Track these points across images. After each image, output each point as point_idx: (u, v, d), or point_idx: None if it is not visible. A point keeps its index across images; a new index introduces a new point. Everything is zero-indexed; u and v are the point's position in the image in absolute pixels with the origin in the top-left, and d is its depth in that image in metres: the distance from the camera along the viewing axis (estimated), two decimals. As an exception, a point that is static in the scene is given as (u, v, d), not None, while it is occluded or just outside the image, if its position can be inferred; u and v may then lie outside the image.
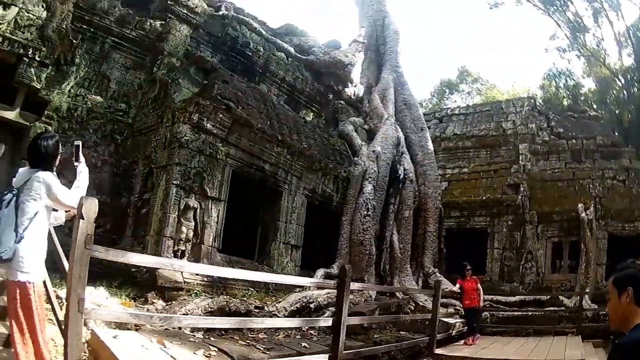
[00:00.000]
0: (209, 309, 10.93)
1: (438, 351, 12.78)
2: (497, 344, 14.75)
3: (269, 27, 23.29)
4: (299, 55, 22.99)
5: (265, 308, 12.57)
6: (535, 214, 23.24)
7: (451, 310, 17.91)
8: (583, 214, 21.71)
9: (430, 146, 24.48)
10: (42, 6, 13.84)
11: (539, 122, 27.57)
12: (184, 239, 14.35)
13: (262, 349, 9.20)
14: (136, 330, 8.52)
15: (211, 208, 15.14)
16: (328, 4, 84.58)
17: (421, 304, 17.09)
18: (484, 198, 24.51)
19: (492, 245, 24.13)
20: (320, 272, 17.83)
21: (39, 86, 14.01)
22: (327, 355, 8.61)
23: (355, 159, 20.65)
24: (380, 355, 11.75)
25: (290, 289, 14.78)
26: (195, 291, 13.11)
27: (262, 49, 20.34)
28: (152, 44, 17.23)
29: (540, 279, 22.80)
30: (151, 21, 17.30)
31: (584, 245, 21.50)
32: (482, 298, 15.71)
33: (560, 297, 19.98)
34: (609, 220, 22.44)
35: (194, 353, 7.66)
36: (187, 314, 10.18)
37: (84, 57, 16.07)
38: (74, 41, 15.15)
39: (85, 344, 7.13)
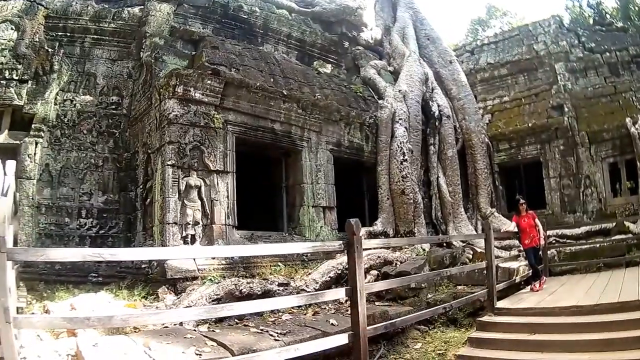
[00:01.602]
0: (215, 297, 9.79)
1: (500, 304, 10.15)
2: (566, 286, 12.16)
3: None
4: (302, 9, 20.48)
5: (292, 284, 11.28)
6: (586, 135, 20.52)
7: (515, 252, 15.05)
8: (632, 129, 19.03)
9: (464, 78, 21.88)
10: (12, 29, 14.38)
11: (570, 39, 24.62)
12: (191, 222, 12.73)
13: (276, 334, 7.64)
14: (136, 331, 7.68)
15: (217, 183, 13.40)
16: None
17: (479, 250, 14.40)
18: (530, 125, 21.71)
19: (547, 175, 21.32)
20: (362, 231, 14.85)
21: (21, 103, 14.15)
22: (346, 334, 6.55)
23: (381, 102, 18.21)
24: (437, 317, 10.14)
25: (329, 256, 13.04)
26: (210, 278, 11.48)
27: (258, 10, 18.12)
28: (134, 31, 16.18)
29: (603, 205, 20.06)
30: (129, 9, 16.45)
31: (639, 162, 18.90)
32: (543, 235, 12.86)
33: (626, 223, 17.42)
34: (659, 132, 19.88)
35: (183, 352, 6.52)
36: (190, 306, 9.22)
37: (64, 62, 15.47)
38: (49, 50, 14.93)
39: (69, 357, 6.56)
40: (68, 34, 15.69)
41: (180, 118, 12.97)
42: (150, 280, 11.69)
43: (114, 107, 15.77)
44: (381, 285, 9.13)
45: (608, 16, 36.01)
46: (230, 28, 17.48)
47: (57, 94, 14.96)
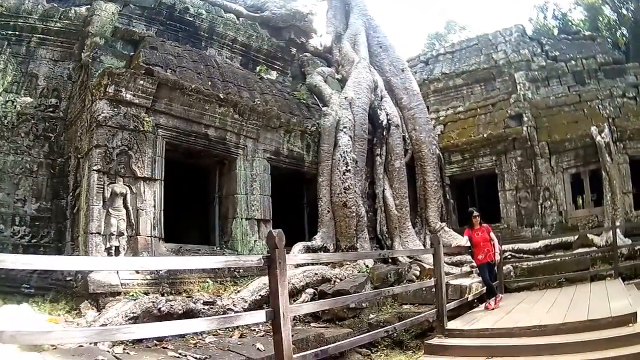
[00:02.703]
0: (132, 315, 9.26)
1: (451, 325, 9.32)
2: (525, 304, 11.44)
3: None
4: (251, 13, 19.71)
5: (219, 302, 10.64)
6: (546, 145, 19.92)
7: (467, 268, 14.39)
8: (598, 138, 18.46)
9: (416, 87, 21.06)
10: None
11: (532, 48, 24.47)
12: (115, 233, 11.78)
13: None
14: (54, 348, 7.14)
15: (144, 191, 12.51)
16: None
17: (428, 266, 13.84)
18: (485, 135, 20.97)
19: (503, 187, 20.62)
20: (298, 246, 14.72)
21: (-39, 103, 13.60)
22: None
23: (325, 109, 17.34)
24: (380, 339, 9.80)
25: (263, 273, 11.91)
26: (133, 293, 10.74)
27: (204, 12, 17.58)
28: (79, 31, 15.39)
29: (564, 218, 19.44)
30: (75, 8, 15.64)
31: (606, 172, 18.25)
32: (498, 249, 11.99)
33: (589, 236, 16.93)
34: (627, 142, 18.98)
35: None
36: (105, 325, 8.62)
37: (10, 62, 14.83)
38: None
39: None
40: (17, 33, 15.07)
41: (109, 120, 12.16)
42: (75, 294, 11.03)
43: (51, 109, 15.06)
44: (311, 307, 7.86)
45: (574, 27, 36.03)
46: (174, 30, 16.88)
47: None
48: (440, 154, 20.54)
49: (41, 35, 15.32)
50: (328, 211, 15.91)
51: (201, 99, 13.83)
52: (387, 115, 18.63)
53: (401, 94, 20.40)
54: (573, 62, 22.04)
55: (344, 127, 16.82)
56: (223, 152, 14.55)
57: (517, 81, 22.26)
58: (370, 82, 19.00)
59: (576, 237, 17.12)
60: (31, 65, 15.13)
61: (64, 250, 13.73)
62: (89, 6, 15.45)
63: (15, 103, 14.51)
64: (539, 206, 19.65)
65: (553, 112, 20.60)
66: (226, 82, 15.33)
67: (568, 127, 19.64)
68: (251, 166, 14.89)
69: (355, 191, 16.05)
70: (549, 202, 19.48)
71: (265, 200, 14.99)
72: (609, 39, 30.91)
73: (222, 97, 14.20)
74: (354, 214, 15.84)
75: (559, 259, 15.49)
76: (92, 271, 10.44)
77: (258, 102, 15.27)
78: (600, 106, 19.93)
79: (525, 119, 20.32)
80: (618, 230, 15.80)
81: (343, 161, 16.15)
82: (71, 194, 13.94)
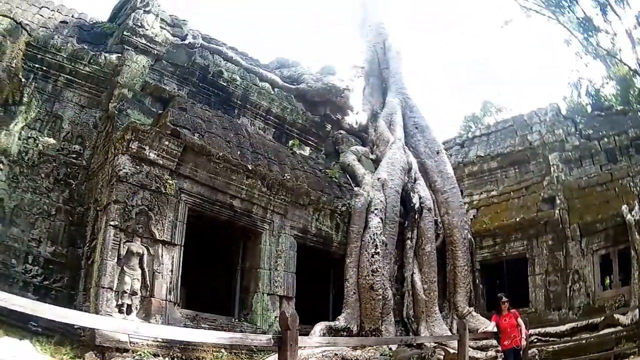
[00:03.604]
0: None
1: None
2: None
3: (253, 59, 20.10)
4: (287, 84, 19.67)
5: None
6: (577, 227, 19.43)
7: (492, 353, 14.29)
8: (628, 216, 17.82)
9: (450, 170, 20.92)
10: None
11: (566, 127, 23.95)
12: (129, 291, 11.62)
13: None
14: None
15: (162, 254, 12.30)
16: (327, 35, 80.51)
17: (452, 351, 13.27)
18: (517, 219, 20.70)
19: (533, 271, 20.15)
20: (320, 326, 14.36)
21: (-15, 126, 13.36)
22: None
23: (357, 189, 17.18)
24: None
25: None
26: (141, 353, 10.59)
27: (239, 79, 17.45)
28: (107, 79, 15.39)
29: (591, 300, 18.76)
30: (106, 55, 15.54)
31: (634, 251, 17.50)
32: (524, 335, 12.02)
33: (615, 316, 16.34)
34: (657, 219, 18.93)
35: None
36: None
37: (35, 97, 14.56)
38: (23, 80, 14.10)
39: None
40: (44, 68, 14.82)
41: (131, 177, 12.05)
42: (82, 342, 10.74)
43: (74, 156, 14.81)
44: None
45: (606, 102, 35.85)
46: (206, 94, 16.79)
47: (22, 128, 14.15)
48: (472, 239, 20.22)
49: (68, 76, 15.16)
50: (354, 292, 15.61)
51: (228, 168, 13.71)
52: (420, 198, 18.42)
53: (435, 177, 20.25)
54: (605, 139, 21.68)
55: (375, 209, 16.62)
56: (248, 224, 14.34)
57: (550, 163, 21.94)
58: (405, 163, 18.86)
59: (602, 318, 16.66)
60: (56, 105, 14.95)
61: (76, 298, 13.49)
62: (119, 55, 15.54)
63: (37, 141, 14.35)
64: (568, 289, 19.08)
65: (585, 193, 20.24)
66: (256, 153, 15.26)
67: (599, 208, 19.26)
68: (277, 242, 14.67)
69: (383, 274, 15.76)
70: (578, 285, 18.90)
71: (289, 277, 14.74)
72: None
73: (250, 168, 14.08)
74: (380, 297, 15.52)
75: (584, 341, 15.29)
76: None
77: (288, 177, 15.13)
78: (631, 183, 19.54)
79: (558, 201, 20.00)
80: (644, 307, 15.50)
81: (372, 243, 15.91)
82: (87, 244, 13.70)
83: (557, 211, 19.67)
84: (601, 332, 15.70)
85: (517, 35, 71.17)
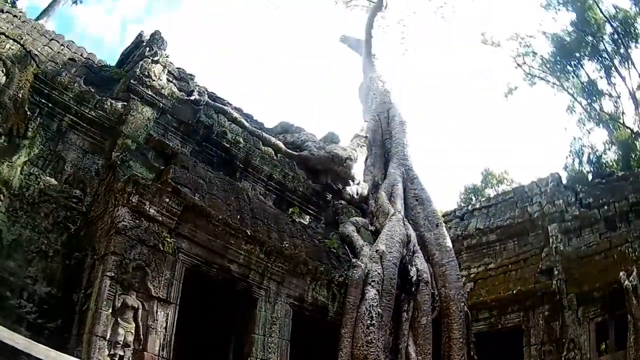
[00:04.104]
0: None
1: None
2: None
3: (257, 122, 20.57)
4: (289, 150, 20.00)
5: None
6: (574, 297, 19.57)
7: None
8: (626, 282, 17.95)
9: (449, 243, 20.83)
10: (2, 71, 13.10)
11: (567, 197, 24.07)
12: (121, 343, 11.50)
13: None
14: None
15: (157, 311, 12.15)
16: (332, 99, 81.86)
17: None
18: (514, 292, 20.85)
19: (528, 342, 20.31)
20: None
21: (-12, 155, 12.84)
22: None
23: (354, 260, 17.19)
24: None
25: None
26: None
27: (242, 141, 17.62)
28: (112, 127, 15.23)
29: None
30: (112, 101, 15.37)
31: (631, 315, 17.65)
32: None
33: None
34: (654, 283, 18.96)
35: None
36: None
37: (39, 133, 14.27)
38: (29, 113, 13.67)
39: None
40: (50, 105, 14.51)
41: (130, 230, 12.04)
42: None
43: (75, 200, 14.46)
44: None
45: (608, 169, 36.01)
46: (209, 154, 16.81)
47: (24, 163, 13.88)
48: (469, 311, 19.96)
49: (74, 118, 14.85)
50: (348, 362, 15.65)
51: (227, 231, 13.65)
52: (417, 271, 18.34)
53: (434, 250, 20.21)
54: (605, 207, 21.79)
55: (372, 281, 16.62)
56: (245, 289, 14.33)
57: (550, 233, 22.11)
58: (404, 236, 18.86)
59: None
60: (60, 146, 14.61)
61: (69, 341, 13.07)
62: (125, 103, 15.44)
63: (39, 179, 14.01)
64: (563, 358, 19.14)
65: (584, 262, 20.30)
66: (256, 218, 15.18)
67: (597, 277, 19.31)
68: (272, 309, 14.67)
69: (377, 345, 15.69)
70: (573, 353, 18.94)
71: (283, 345, 14.72)
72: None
73: (249, 233, 14.01)
74: (374, 368, 15.53)
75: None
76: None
77: (286, 245, 15.21)
78: (629, 249, 19.58)
79: (556, 272, 20.13)
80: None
81: (368, 315, 15.90)
82: (83, 291, 13.42)
83: (554, 282, 19.83)
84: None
85: (521, 104, 72.52)
